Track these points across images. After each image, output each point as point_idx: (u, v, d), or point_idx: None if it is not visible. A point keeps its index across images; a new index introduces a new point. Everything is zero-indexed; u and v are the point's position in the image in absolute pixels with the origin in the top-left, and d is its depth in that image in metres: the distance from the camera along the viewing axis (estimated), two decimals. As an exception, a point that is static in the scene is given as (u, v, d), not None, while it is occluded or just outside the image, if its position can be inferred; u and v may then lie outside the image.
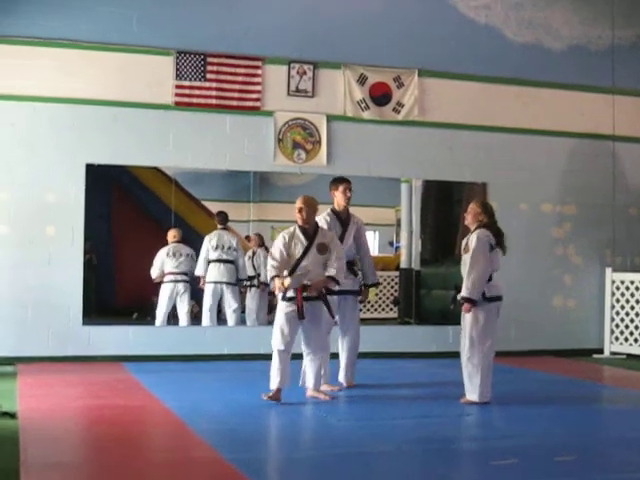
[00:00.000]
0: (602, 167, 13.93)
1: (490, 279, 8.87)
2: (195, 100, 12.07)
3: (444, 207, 14.22)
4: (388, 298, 14.02)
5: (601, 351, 13.57)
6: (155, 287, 12.63)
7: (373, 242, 15.74)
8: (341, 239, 9.39)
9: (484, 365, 8.73)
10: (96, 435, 7.19)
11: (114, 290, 12.89)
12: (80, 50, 11.68)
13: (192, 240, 13.12)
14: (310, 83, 12.54)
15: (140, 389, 9.49)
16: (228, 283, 12.77)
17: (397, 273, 14.48)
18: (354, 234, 9.79)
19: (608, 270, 13.64)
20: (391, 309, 14.05)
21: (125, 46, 11.85)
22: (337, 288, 8.93)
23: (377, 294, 14.36)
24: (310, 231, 8.74)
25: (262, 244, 13.11)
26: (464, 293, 8.71)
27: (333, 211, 9.82)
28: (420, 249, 13.95)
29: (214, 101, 12.14)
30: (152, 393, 9.15)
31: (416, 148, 13.00)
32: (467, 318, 8.80)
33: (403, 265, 14.28)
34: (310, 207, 8.81)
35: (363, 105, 12.75)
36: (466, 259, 8.84)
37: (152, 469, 6.03)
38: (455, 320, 13.11)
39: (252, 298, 13.17)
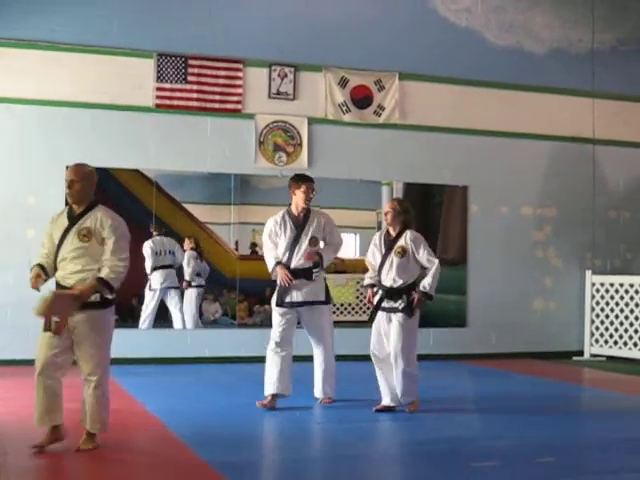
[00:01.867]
0: (582, 170, 13.98)
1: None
2: (176, 102, 12.06)
3: (425, 210, 14.21)
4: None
5: (581, 353, 13.62)
6: (136, 290, 12.58)
7: (354, 245, 15.73)
8: (294, 243, 8.67)
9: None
10: (75, 438, 7.15)
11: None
12: (61, 52, 11.65)
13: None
14: (291, 86, 12.54)
15: (121, 392, 9.44)
16: (170, 287, 12.81)
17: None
18: (322, 234, 8.78)
19: (588, 273, 13.69)
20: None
21: (106, 48, 11.83)
22: (300, 299, 8.62)
23: (358, 297, 14.34)
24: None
25: (194, 248, 13.06)
26: (429, 290, 8.28)
27: (288, 213, 8.82)
28: (401, 251, 13.90)
29: (195, 103, 12.13)
30: (133, 396, 9.12)
31: (397, 151, 13.02)
32: (410, 321, 8.30)
33: (384, 268, 14.25)
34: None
35: (344, 108, 12.77)
36: (402, 263, 8.29)
37: (133, 472, 6.01)
38: (435, 323, 13.23)
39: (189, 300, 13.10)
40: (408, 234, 8.39)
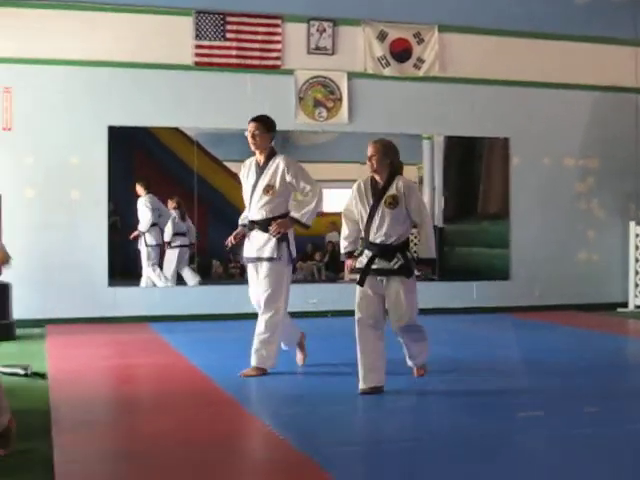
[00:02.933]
0: (625, 120, 13.83)
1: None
2: (215, 60, 12.07)
3: (466, 163, 14.17)
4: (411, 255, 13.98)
5: (626, 305, 13.56)
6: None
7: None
8: (253, 190, 7.82)
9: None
10: (125, 393, 7.27)
11: (138, 252, 12.91)
12: (100, 12, 11.68)
13: (214, 200, 13.15)
14: (330, 40, 12.49)
15: (166, 348, 9.57)
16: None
17: (420, 230, 14.45)
18: (280, 181, 7.74)
19: (632, 223, 13.58)
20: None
21: (145, 7, 11.84)
22: (254, 255, 7.80)
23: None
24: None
25: (176, 207, 13.04)
26: (429, 254, 7.19)
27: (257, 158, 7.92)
28: (443, 206, 13.92)
29: (234, 60, 12.12)
30: (178, 352, 9.23)
31: (437, 104, 12.95)
32: (410, 282, 7.11)
33: (426, 222, 14.24)
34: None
35: (384, 62, 12.70)
36: (396, 214, 7.07)
37: (180, 425, 6.09)
38: (479, 276, 13.22)
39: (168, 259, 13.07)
40: (400, 181, 7.17)
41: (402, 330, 7.23)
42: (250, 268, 7.93)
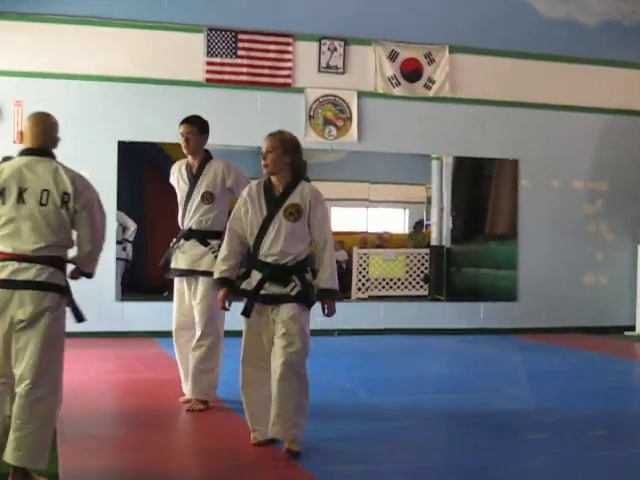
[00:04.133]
0: (634, 143, 13.82)
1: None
2: (226, 77, 12.10)
3: (475, 184, 14.17)
4: (418, 275, 13.98)
5: (633, 328, 13.51)
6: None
7: (404, 220, 15.71)
8: (187, 197, 7.16)
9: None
10: (130, 408, 7.26)
11: (146, 267, 12.92)
12: (112, 28, 11.72)
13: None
14: (341, 59, 12.53)
15: (172, 364, 9.54)
16: None
17: (427, 250, 14.46)
18: (222, 186, 7.12)
19: (640, 247, 13.59)
20: (421, 286, 14.00)
21: (156, 23, 11.88)
22: (187, 267, 7.09)
23: (407, 271, 14.33)
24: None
25: None
26: (332, 284, 5.77)
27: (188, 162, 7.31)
28: (451, 226, 13.92)
29: (245, 78, 12.16)
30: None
31: (447, 124, 12.96)
32: (305, 315, 5.75)
33: (433, 243, 14.25)
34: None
35: (394, 81, 12.73)
36: (295, 229, 5.67)
37: (184, 439, 6.09)
38: (486, 297, 13.21)
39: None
40: (306, 187, 5.83)
41: (284, 374, 5.56)
42: (179, 283, 7.21)
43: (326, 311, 5.80)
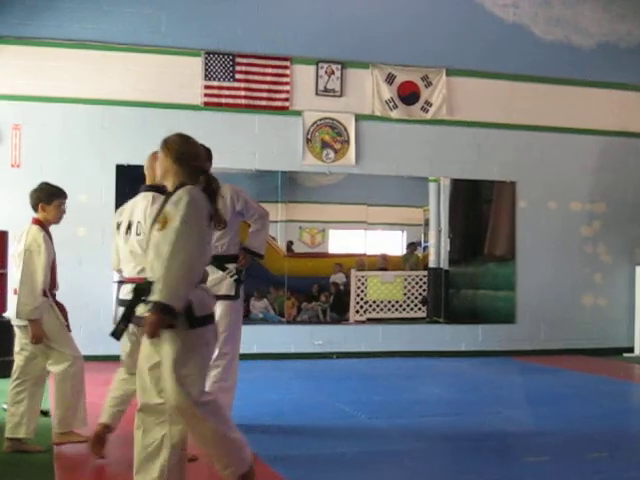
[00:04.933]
0: (632, 165, 13.86)
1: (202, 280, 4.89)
2: (224, 100, 12.14)
3: (473, 206, 14.17)
4: (417, 297, 13.96)
5: (632, 350, 13.50)
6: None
7: (402, 242, 15.70)
8: None
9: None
10: (127, 433, 7.21)
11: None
12: (109, 52, 11.76)
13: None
14: (338, 83, 12.57)
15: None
16: None
17: (425, 273, 14.45)
18: (232, 210, 7.18)
19: (638, 268, 13.56)
20: (420, 308, 13.98)
21: (154, 47, 11.93)
22: None
23: (406, 293, 14.33)
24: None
25: None
26: (158, 296, 4.51)
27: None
28: (449, 248, 13.92)
29: (243, 101, 12.19)
30: (183, 392, 9.16)
31: (444, 147, 13.00)
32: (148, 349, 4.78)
33: (432, 265, 14.24)
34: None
35: (391, 104, 12.77)
36: (159, 240, 4.72)
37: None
38: (485, 319, 13.20)
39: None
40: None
41: None
42: None
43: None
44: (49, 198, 6.51)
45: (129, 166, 11.82)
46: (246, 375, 8.86)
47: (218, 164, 12.29)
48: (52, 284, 6.48)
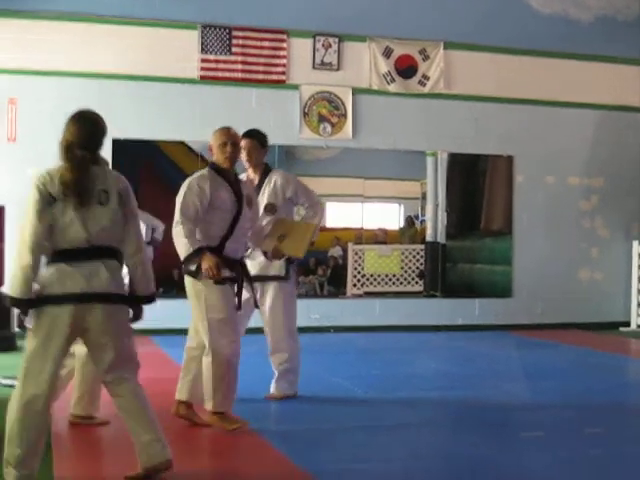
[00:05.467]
0: (630, 139, 13.83)
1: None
2: (220, 74, 12.08)
3: (470, 180, 14.15)
4: (414, 271, 13.96)
5: (628, 324, 13.53)
6: (177, 261, 12.63)
7: (399, 215, 15.69)
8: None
9: None
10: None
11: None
12: (106, 25, 11.71)
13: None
14: (335, 56, 12.51)
15: (168, 362, 9.53)
16: None
17: (423, 246, 14.44)
18: (282, 196, 7.37)
19: (635, 243, 13.57)
20: (417, 282, 13.99)
21: (150, 20, 11.86)
22: (257, 273, 7.19)
23: (403, 267, 14.33)
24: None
25: None
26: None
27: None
28: (446, 222, 13.91)
29: (240, 75, 12.14)
30: (180, 366, 9.18)
31: (442, 121, 12.96)
32: None
33: (429, 239, 14.24)
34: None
35: (389, 78, 12.72)
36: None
37: (181, 439, 6.07)
38: (481, 293, 13.21)
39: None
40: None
41: None
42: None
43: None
44: None
45: (126, 140, 11.78)
46: (243, 349, 8.87)
47: (215, 138, 12.33)
48: None
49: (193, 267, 6.15)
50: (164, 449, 4.83)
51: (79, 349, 6.02)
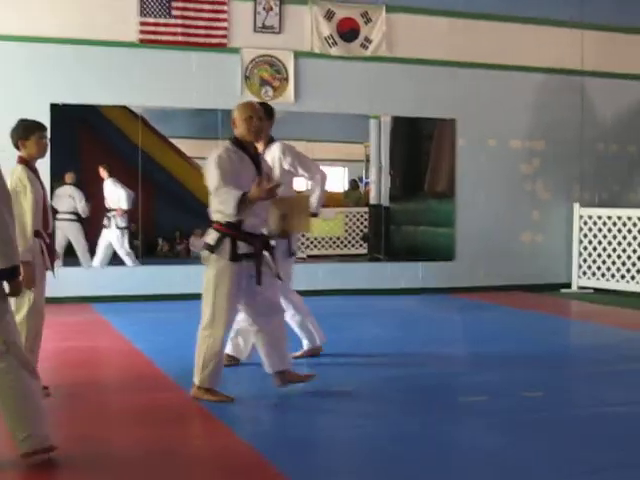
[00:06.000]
0: (571, 102, 13.90)
1: None
2: (160, 37, 11.91)
3: (413, 143, 14.19)
4: (357, 234, 14.00)
5: (569, 285, 13.67)
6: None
7: (342, 178, 15.70)
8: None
9: None
10: (65, 377, 7.17)
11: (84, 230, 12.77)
12: (42, -14, 11.48)
13: (159, 178, 13.05)
14: (277, 19, 12.39)
15: (109, 330, 9.48)
16: None
17: (366, 209, 14.48)
18: (280, 167, 7.47)
19: (576, 205, 13.68)
20: (361, 245, 14.03)
21: (88, -18, 11.65)
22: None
23: (347, 230, 14.36)
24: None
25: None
26: None
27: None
28: (389, 185, 13.94)
29: (180, 38, 11.97)
30: (122, 334, 9.14)
31: (384, 84, 12.91)
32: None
33: (372, 201, 14.27)
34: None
35: (331, 41, 12.63)
36: None
37: (121, 411, 6.04)
38: (424, 256, 13.26)
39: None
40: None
41: None
42: None
43: None
44: (26, 133, 6.32)
45: (64, 105, 11.61)
46: (183, 314, 8.83)
47: (155, 102, 12.30)
48: (45, 224, 6.31)
49: (212, 242, 6.17)
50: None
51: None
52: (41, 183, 6.33)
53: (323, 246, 13.64)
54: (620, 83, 14.11)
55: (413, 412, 6.02)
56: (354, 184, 15.52)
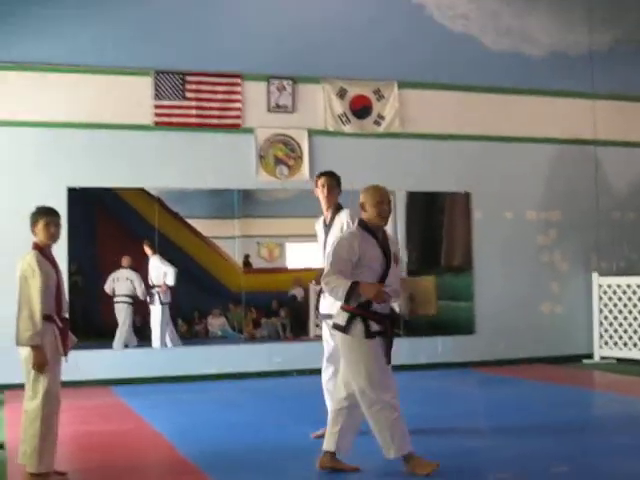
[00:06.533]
0: (585, 172, 13.93)
1: None
2: (175, 119, 12.04)
3: (429, 218, 14.17)
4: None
5: (591, 356, 13.55)
6: (142, 309, 12.57)
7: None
8: (323, 249, 7.57)
9: None
10: (85, 462, 7.11)
11: (101, 312, 12.76)
12: (59, 73, 11.64)
13: (176, 258, 13.06)
14: (290, 98, 12.51)
15: (129, 413, 9.41)
16: None
17: (384, 285, 14.41)
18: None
19: (594, 275, 13.63)
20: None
21: (103, 67, 11.81)
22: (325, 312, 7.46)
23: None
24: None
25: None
26: None
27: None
28: (406, 260, 13.90)
29: (194, 120, 12.10)
30: (142, 417, 9.07)
31: (398, 160, 12.97)
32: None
33: (390, 276, 14.20)
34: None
35: (344, 119, 12.73)
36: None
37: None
38: (444, 331, 13.17)
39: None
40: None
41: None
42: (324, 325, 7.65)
43: None
44: (33, 220, 6.38)
45: (81, 189, 11.69)
46: (203, 396, 8.78)
47: (171, 184, 12.36)
48: (58, 307, 6.30)
49: (342, 323, 6.20)
50: None
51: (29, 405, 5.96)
52: (56, 268, 6.33)
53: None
54: (633, 151, 14.16)
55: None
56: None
